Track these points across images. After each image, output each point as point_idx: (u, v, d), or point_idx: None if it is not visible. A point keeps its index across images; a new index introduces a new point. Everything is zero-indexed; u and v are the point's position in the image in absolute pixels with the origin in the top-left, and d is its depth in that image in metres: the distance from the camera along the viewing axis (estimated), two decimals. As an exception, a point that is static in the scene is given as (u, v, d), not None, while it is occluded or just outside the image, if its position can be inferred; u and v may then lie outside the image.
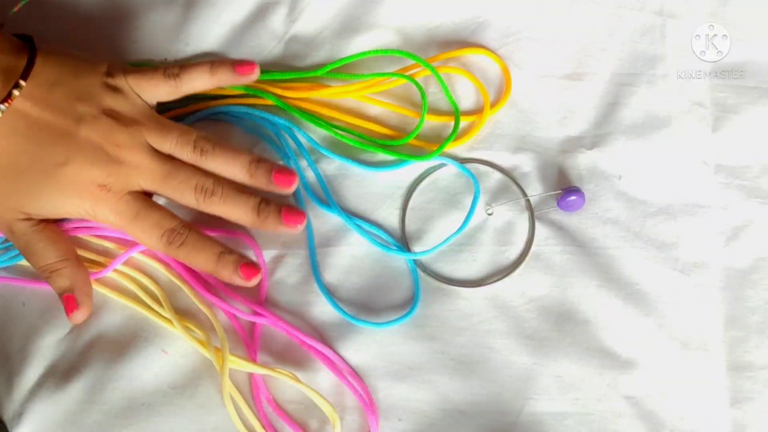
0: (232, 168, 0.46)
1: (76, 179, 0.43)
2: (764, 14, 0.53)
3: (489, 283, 0.48)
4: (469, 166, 0.50)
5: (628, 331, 0.47)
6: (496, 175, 0.50)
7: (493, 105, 0.51)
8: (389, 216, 0.49)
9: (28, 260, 0.46)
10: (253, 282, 0.44)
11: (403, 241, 0.49)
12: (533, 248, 0.48)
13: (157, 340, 0.47)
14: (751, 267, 0.48)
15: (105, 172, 0.44)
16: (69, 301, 0.45)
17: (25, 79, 0.43)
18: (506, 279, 0.48)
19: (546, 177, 0.50)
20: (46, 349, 0.47)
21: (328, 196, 0.49)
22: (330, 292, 0.48)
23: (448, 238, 0.47)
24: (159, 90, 0.47)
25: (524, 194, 0.49)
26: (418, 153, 0.50)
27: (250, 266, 0.44)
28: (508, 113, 0.51)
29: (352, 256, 0.49)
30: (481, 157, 0.50)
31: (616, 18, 0.53)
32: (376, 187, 0.50)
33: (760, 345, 0.47)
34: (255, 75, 0.48)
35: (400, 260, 0.49)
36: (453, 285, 0.48)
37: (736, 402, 0.46)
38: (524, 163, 0.50)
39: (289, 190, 0.46)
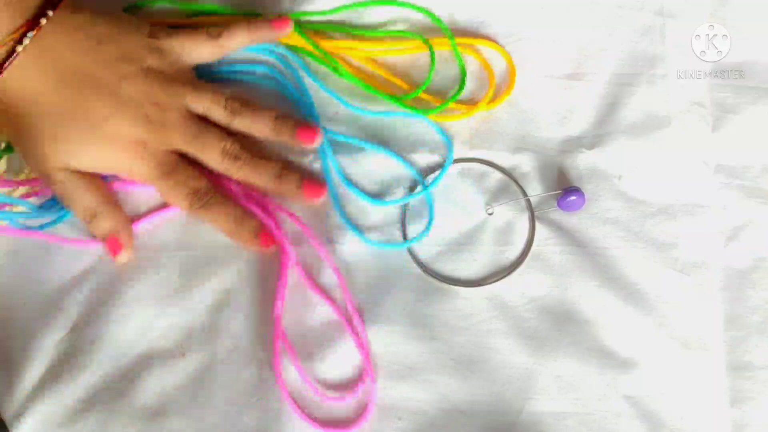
0: (259, 125, 0.48)
1: (117, 134, 0.46)
2: (764, 14, 0.53)
3: (489, 283, 0.48)
4: (469, 166, 0.50)
5: (628, 331, 0.47)
6: (496, 175, 0.50)
7: (495, 99, 0.51)
8: (389, 215, 0.49)
9: (67, 206, 0.47)
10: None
11: (403, 240, 0.49)
12: (533, 248, 0.49)
13: (161, 341, 0.47)
14: (751, 267, 0.48)
15: (144, 129, 0.46)
16: (113, 242, 0.47)
17: (54, 10, 0.45)
18: (506, 279, 0.48)
19: (546, 177, 0.50)
20: (47, 349, 0.47)
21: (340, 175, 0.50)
22: (329, 291, 0.48)
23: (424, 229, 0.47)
24: (201, 50, 0.49)
25: (524, 194, 0.50)
26: (425, 107, 0.51)
27: (268, 234, 0.47)
28: (508, 112, 0.51)
29: (352, 254, 0.49)
30: (481, 157, 0.50)
31: (616, 18, 0.53)
32: (376, 187, 0.50)
33: (760, 345, 0.47)
34: (289, 29, 0.50)
35: (400, 259, 0.48)
36: (453, 285, 0.48)
37: (736, 402, 0.46)
38: (524, 163, 0.50)
39: (312, 145, 0.48)
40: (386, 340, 0.47)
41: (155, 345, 0.47)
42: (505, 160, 0.50)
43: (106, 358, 0.47)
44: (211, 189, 0.47)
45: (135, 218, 0.49)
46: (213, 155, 0.47)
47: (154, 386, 0.46)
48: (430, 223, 0.49)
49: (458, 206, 0.49)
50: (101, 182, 0.48)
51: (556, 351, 0.47)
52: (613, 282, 0.48)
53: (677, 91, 0.52)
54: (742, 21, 0.53)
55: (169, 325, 0.47)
